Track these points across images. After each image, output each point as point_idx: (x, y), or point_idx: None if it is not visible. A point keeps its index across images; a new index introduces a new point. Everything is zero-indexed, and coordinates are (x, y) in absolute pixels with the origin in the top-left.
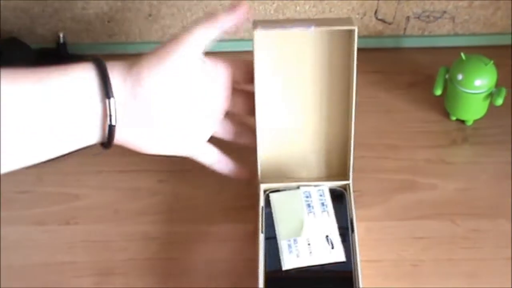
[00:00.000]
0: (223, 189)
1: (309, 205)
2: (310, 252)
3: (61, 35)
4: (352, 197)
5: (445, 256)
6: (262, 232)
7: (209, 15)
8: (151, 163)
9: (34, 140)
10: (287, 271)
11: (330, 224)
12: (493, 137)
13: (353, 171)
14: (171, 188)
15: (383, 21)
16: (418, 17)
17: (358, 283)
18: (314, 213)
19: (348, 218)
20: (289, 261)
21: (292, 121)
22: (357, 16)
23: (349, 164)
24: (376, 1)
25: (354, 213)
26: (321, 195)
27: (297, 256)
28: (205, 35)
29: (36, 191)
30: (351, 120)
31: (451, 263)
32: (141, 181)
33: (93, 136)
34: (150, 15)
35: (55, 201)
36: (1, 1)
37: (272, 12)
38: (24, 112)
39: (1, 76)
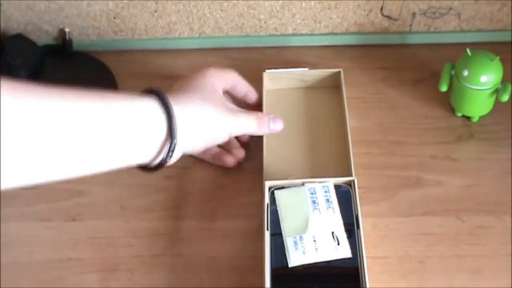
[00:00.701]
0: (228, 185)
1: (314, 202)
2: (316, 249)
3: (67, 32)
4: (357, 193)
5: (450, 252)
6: (267, 229)
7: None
8: None
9: (89, 154)
10: (292, 268)
11: (336, 220)
12: (499, 134)
13: (354, 167)
14: (177, 184)
15: (389, 17)
16: (424, 14)
17: (365, 279)
18: (319, 210)
19: (354, 214)
20: (295, 258)
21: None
22: (363, 12)
23: (350, 160)
24: None
25: (360, 209)
26: (326, 191)
27: (303, 253)
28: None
29: (42, 187)
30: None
31: (457, 259)
32: (147, 177)
33: (147, 159)
34: (155, 11)
35: (60, 197)
36: None
37: (278, 8)
38: (87, 129)
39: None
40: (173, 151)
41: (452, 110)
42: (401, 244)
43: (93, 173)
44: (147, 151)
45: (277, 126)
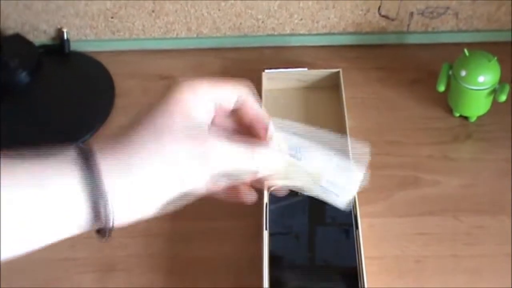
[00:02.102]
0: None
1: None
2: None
3: (64, 31)
4: (356, 194)
5: (448, 252)
6: (266, 228)
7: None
8: None
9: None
10: (291, 268)
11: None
12: (497, 134)
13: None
14: None
15: (386, 17)
16: (422, 13)
17: (363, 279)
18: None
19: (352, 214)
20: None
21: None
22: (360, 12)
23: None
24: None
25: (358, 209)
26: None
27: (337, 195)
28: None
29: None
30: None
31: (454, 259)
32: None
33: (80, 230)
34: (153, 11)
35: None
36: None
37: (275, 8)
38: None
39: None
40: (111, 219)
41: (450, 110)
42: (398, 244)
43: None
44: (77, 224)
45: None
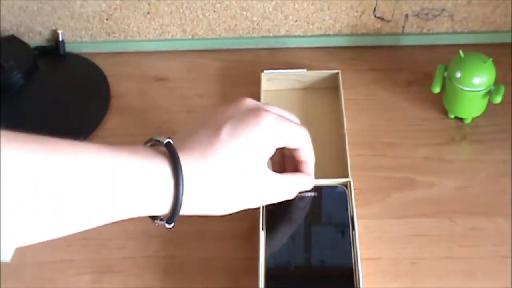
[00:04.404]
0: None
1: None
2: None
3: (60, 33)
4: (353, 195)
5: (443, 254)
6: (262, 229)
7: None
8: None
9: (94, 213)
10: (287, 268)
11: None
12: (492, 135)
13: (351, 169)
14: None
15: (381, 19)
16: (417, 15)
17: (359, 281)
18: None
19: (349, 215)
20: None
21: None
22: (355, 14)
23: (347, 161)
24: None
25: (355, 210)
26: None
27: None
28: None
29: None
30: (343, 120)
31: (450, 261)
32: None
33: (157, 212)
34: (148, 13)
35: None
36: None
37: (271, 9)
38: (96, 190)
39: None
40: (173, 221)
41: (445, 112)
42: (394, 245)
43: (94, 227)
44: (153, 210)
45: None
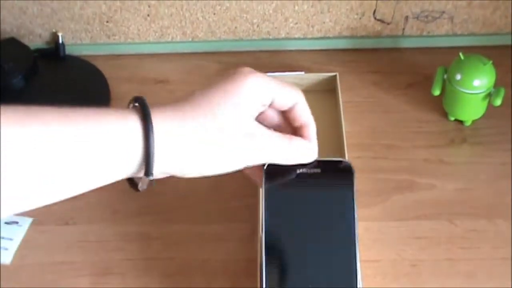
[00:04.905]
0: (220, 189)
1: None
2: None
3: (60, 35)
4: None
5: (443, 256)
6: (262, 231)
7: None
8: None
9: (59, 180)
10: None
11: None
12: (492, 138)
13: None
14: (169, 187)
15: (381, 21)
16: (417, 17)
17: (358, 282)
18: None
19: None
20: None
21: None
22: (355, 16)
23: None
24: (375, 1)
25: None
26: None
27: None
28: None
29: None
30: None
31: (450, 263)
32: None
33: (129, 173)
34: (148, 15)
35: None
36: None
37: (271, 12)
38: (52, 154)
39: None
40: (151, 173)
41: (445, 114)
42: (393, 247)
43: (71, 195)
44: (126, 170)
45: (312, 155)
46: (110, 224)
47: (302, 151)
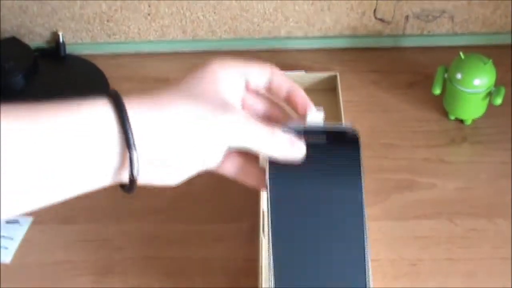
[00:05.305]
0: (221, 188)
1: None
2: None
3: (60, 34)
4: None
5: (443, 255)
6: (262, 230)
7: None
8: None
9: (35, 184)
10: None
11: None
12: (492, 137)
13: None
14: (170, 188)
15: (382, 20)
16: (417, 17)
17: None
18: None
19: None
20: None
21: None
22: (356, 15)
23: None
24: (375, 0)
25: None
26: None
27: None
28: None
29: None
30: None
31: (450, 262)
32: None
33: (105, 182)
34: (149, 14)
35: None
36: (0, 1)
37: (271, 11)
38: (26, 153)
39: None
40: (135, 163)
41: (445, 113)
42: (393, 247)
43: (54, 202)
44: (107, 165)
45: (297, 150)
46: (111, 223)
47: (285, 145)
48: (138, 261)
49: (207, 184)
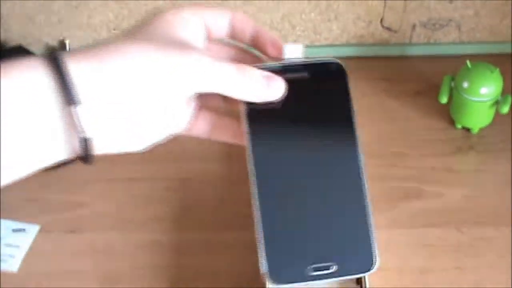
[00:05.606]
0: (229, 196)
1: None
2: None
3: (67, 43)
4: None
5: (451, 264)
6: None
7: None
8: (157, 171)
9: None
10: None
11: None
12: (499, 145)
13: None
14: (178, 196)
15: (389, 29)
16: (424, 25)
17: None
18: None
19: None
20: None
21: None
22: (363, 24)
23: None
24: (382, 9)
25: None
26: None
27: None
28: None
29: (42, 198)
30: None
31: (457, 271)
32: (148, 189)
33: (58, 153)
34: None
35: (61, 209)
36: (7, 9)
37: (278, 20)
38: None
39: None
40: (79, 120)
41: (452, 122)
42: (401, 255)
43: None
44: (50, 129)
45: (275, 89)
46: (118, 232)
47: (260, 83)
48: (146, 271)
49: (215, 192)
